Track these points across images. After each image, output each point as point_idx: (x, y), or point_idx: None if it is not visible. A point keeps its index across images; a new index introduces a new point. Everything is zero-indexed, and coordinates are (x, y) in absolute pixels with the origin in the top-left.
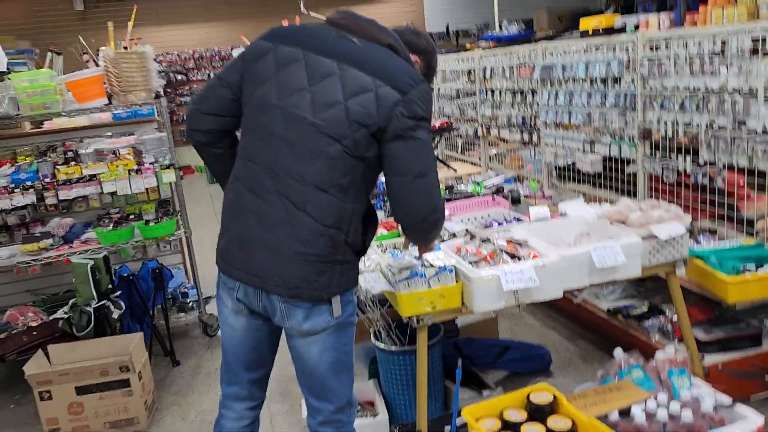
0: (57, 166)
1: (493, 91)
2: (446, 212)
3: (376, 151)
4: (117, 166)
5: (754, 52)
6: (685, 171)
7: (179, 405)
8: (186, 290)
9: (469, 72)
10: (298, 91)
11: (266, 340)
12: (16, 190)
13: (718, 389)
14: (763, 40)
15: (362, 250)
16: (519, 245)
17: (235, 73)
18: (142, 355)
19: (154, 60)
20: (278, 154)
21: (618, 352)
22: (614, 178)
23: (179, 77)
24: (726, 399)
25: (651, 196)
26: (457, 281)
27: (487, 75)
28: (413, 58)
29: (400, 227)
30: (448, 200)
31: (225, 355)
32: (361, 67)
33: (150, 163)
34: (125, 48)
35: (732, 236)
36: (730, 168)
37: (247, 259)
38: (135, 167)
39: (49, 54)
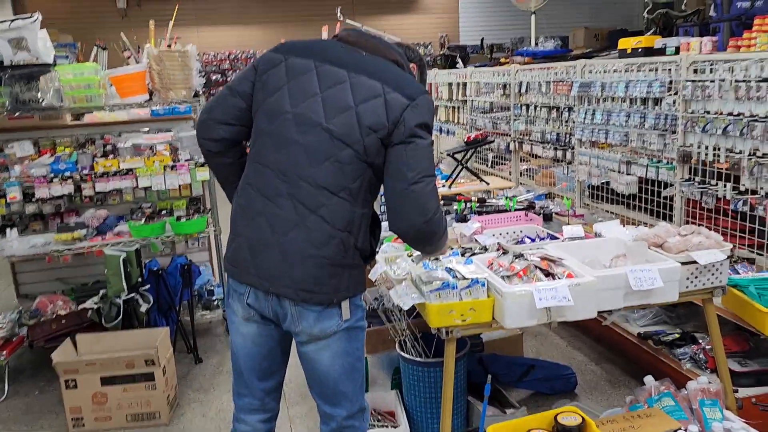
0: (96, 159)
1: (527, 107)
2: (446, 226)
3: (383, 158)
4: (153, 162)
5: None
6: (724, 197)
7: (200, 402)
8: (212, 288)
9: (504, 86)
10: (311, 97)
11: (277, 346)
12: (54, 180)
13: (751, 424)
14: None
15: (370, 256)
16: (553, 263)
17: (247, 83)
18: (167, 350)
19: (198, 59)
20: (292, 158)
21: (649, 378)
22: (649, 200)
23: (215, 77)
24: None
25: (687, 221)
26: (488, 295)
27: (523, 90)
28: (412, 66)
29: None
30: (479, 213)
31: (236, 364)
32: (370, 75)
33: (185, 160)
34: (168, 46)
35: None
36: None
37: (258, 263)
38: (170, 163)
39: (95, 48)
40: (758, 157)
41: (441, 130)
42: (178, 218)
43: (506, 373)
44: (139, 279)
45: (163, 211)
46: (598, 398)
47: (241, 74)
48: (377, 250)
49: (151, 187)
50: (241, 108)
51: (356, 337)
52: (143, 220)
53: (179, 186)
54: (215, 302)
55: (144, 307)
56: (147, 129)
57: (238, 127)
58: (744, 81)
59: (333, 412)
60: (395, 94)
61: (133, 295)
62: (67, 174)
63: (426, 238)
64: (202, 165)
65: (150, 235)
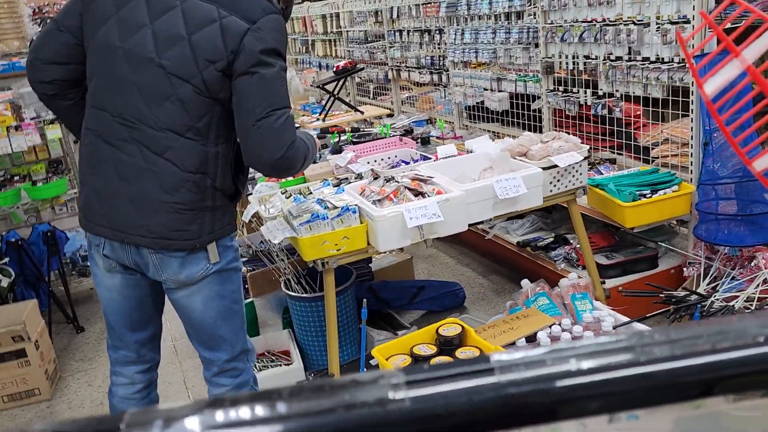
0: None
1: (401, 32)
2: (308, 153)
3: (230, 90)
4: None
5: None
6: (585, 103)
7: (85, 371)
8: (86, 253)
9: (377, 13)
10: (140, 29)
11: (147, 295)
12: None
13: (618, 310)
14: None
15: (236, 194)
16: (423, 182)
17: (74, 15)
18: (38, 323)
19: (35, 13)
20: (128, 100)
21: (525, 282)
22: (521, 115)
23: None
24: (625, 319)
25: (556, 130)
26: (361, 221)
27: (395, 15)
28: None
29: None
30: (355, 143)
31: (106, 318)
32: None
33: (31, 119)
34: None
35: (630, 164)
36: (627, 98)
37: (109, 213)
38: (14, 124)
39: None
40: (611, 60)
41: (320, 66)
42: (35, 183)
43: (397, 297)
44: None
45: (17, 177)
46: (485, 308)
47: (67, 5)
48: (246, 188)
49: None
50: (71, 44)
51: (230, 279)
52: None
53: (33, 148)
54: (89, 262)
55: (5, 282)
56: None
57: (73, 65)
58: None
59: (213, 356)
60: (232, 17)
61: None
62: None
63: (283, 171)
64: (52, 122)
65: (3, 205)
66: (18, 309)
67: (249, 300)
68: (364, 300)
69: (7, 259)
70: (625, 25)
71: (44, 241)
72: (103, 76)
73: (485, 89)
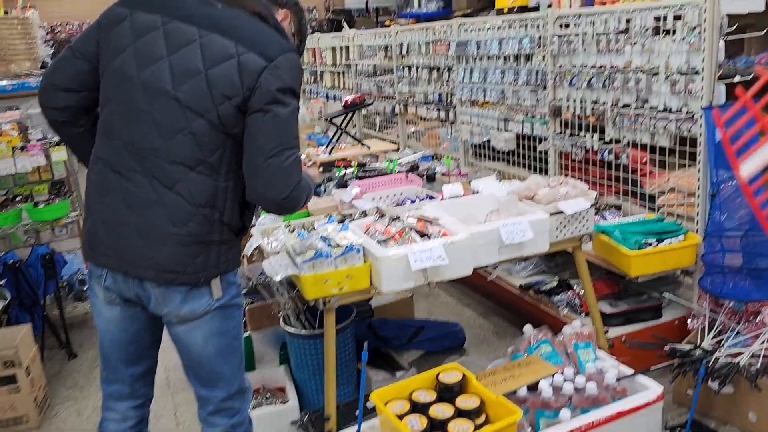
0: None
1: (410, 68)
2: (310, 192)
3: (243, 126)
4: None
5: (657, 30)
6: (592, 148)
7: (75, 400)
8: (84, 277)
9: (386, 48)
10: (157, 61)
11: (146, 329)
12: None
13: (622, 361)
14: (664, 18)
15: (242, 229)
16: (429, 223)
17: (91, 42)
18: (30, 349)
19: (48, 33)
20: (140, 131)
21: (527, 328)
22: (527, 156)
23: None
24: (628, 370)
25: (562, 173)
26: (365, 261)
27: (404, 51)
28: (281, 13)
29: None
30: (360, 177)
31: (102, 350)
32: (223, 32)
33: (38, 140)
34: (5, 12)
35: (635, 212)
36: (634, 145)
37: (115, 244)
38: (20, 144)
39: None
40: (619, 107)
41: (327, 97)
42: (37, 204)
43: (396, 336)
44: None
45: (18, 198)
46: (485, 351)
47: (84, 32)
48: (252, 222)
49: None
50: (86, 71)
51: (231, 315)
52: None
53: (37, 169)
54: (88, 292)
55: (0, 305)
56: None
57: (85, 92)
58: (604, 34)
59: (209, 394)
60: (250, 54)
61: None
62: None
63: (286, 210)
64: (58, 144)
65: (3, 225)
66: (11, 333)
67: (246, 334)
68: (366, 343)
69: (3, 281)
70: (634, 73)
71: (42, 264)
72: (116, 106)
73: (492, 128)
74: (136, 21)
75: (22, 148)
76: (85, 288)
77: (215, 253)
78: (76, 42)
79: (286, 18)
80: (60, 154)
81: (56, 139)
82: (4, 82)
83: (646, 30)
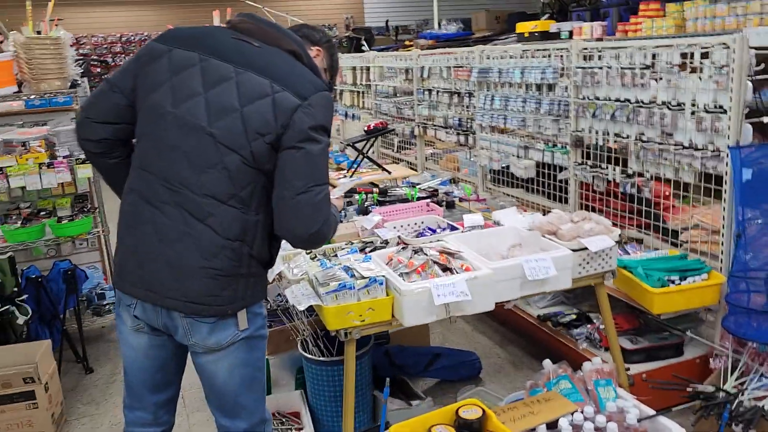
0: None
1: (430, 91)
2: (336, 225)
3: (275, 162)
4: (27, 160)
5: (682, 66)
6: (614, 180)
7: (91, 416)
8: (103, 291)
9: (407, 71)
10: (194, 97)
11: (171, 358)
12: None
13: (642, 400)
14: (691, 56)
15: (270, 262)
16: (451, 256)
17: (129, 77)
18: (49, 365)
19: (73, 45)
20: (174, 165)
21: (547, 362)
22: (547, 184)
23: (104, 62)
24: (649, 410)
25: (582, 204)
26: (387, 293)
27: (425, 75)
28: (314, 50)
29: None
30: (381, 204)
31: (127, 377)
32: (259, 71)
33: (64, 157)
34: (38, 32)
35: (657, 246)
36: (657, 179)
37: (145, 275)
38: (47, 161)
39: None
40: (643, 141)
41: (346, 115)
42: (60, 219)
43: (412, 363)
44: (15, 289)
45: (43, 212)
46: (502, 381)
47: (122, 67)
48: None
49: (25, 187)
50: (123, 105)
51: (256, 346)
52: (19, 222)
53: (62, 183)
54: (106, 306)
55: (21, 320)
56: (21, 123)
57: (122, 125)
58: (629, 68)
59: (231, 424)
60: (285, 92)
61: (7, 307)
62: None
63: (313, 245)
64: (84, 162)
65: (27, 240)
66: (32, 349)
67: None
68: (387, 380)
69: (25, 296)
70: (659, 108)
71: (64, 279)
72: (151, 139)
73: (511, 155)
74: (174, 57)
75: (49, 165)
76: (104, 302)
77: (243, 285)
78: (114, 76)
79: (319, 55)
80: (85, 171)
81: (83, 156)
82: (33, 99)
83: (672, 66)
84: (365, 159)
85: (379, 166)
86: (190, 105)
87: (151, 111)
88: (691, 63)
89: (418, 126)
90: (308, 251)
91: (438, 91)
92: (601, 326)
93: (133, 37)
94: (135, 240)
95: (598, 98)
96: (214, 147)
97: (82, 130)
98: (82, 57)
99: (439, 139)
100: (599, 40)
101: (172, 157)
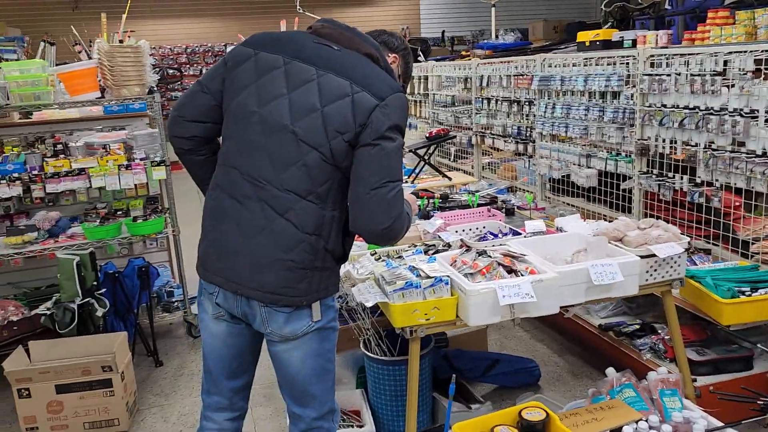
0: (45, 159)
1: (489, 100)
2: (409, 223)
3: (352, 159)
4: (107, 161)
5: (756, 72)
6: (681, 189)
7: (161, 406)
8: (172, 289)
9: (466, 80)
10: (278, 98)
11: (248, 346)
12: (2, 182)
13: (710, 412)
14: (765, 61)
15: (343, 257)
16: (515, 259)
17: (217, 80)
18: (125, 355)
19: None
20: (257, 162)
21: (611, 370)
22: (609, 193)
23: (171, 71)
24: (717, 422)
25: (646, 213)
26: (452, 294)
27: (484, 84)
28: (391, 57)
29: None
30: (442, 209)
31: (206, 363)
32: (339, 72)
33: (140, 159)
34: (120, 41)
35: (726, 257)
36: (727, 189)
37: (226, 266)
38: (125, 163)
39: (42, 44)
40: (713, 149)
41: None
42: (135, 219)
43: (471, 368)
44: (95, 283)
45: (119, 212)
46: (561, 390)
47: (211, 69)
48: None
49: (105, 187)
50: (211, 105)
51: (327, 337)
52: (98, 221)
53: (135, 185)
54: (175, 304)
55: (100, 312)
56: (101, 127)
57: (210, 124)
58: (699, 75)
59: (302, 413)
60: (363, 93)
61: (88, 299)
62: (15, 175)
63: (387, 240)
64: (158, 164)
65: (105, 237)
66: (109, 339)
67: None
68: (454, 376)
69: (104, 290)
70: (730, 115)
71: (139, 275)
72: (236, 138)
73: (573, 164)
74: (260, 61)
75: (127, 167)
76: (173, 300)
77: (317, 278)
78: (204, 78)
79: (395, 62)
80: (159, 173)
81: (157, 159)
82: (111, 104)
83: (745, 73)
84: (426, 166)
85: (440, 172)
86: (275, 105)
87: (237, 111)
88: (765, 69)
89: (476, 135)
90: (373, 252)
91: (497, 100)
92: (666, 336)
93: (198, 48)
94: (217, 233)
95: (665, 106)
96: (296, 144)
97: (175, 128)
98: (157, 66)
99: (497, 148)
100: (665, 48)
101: (255, 154)
